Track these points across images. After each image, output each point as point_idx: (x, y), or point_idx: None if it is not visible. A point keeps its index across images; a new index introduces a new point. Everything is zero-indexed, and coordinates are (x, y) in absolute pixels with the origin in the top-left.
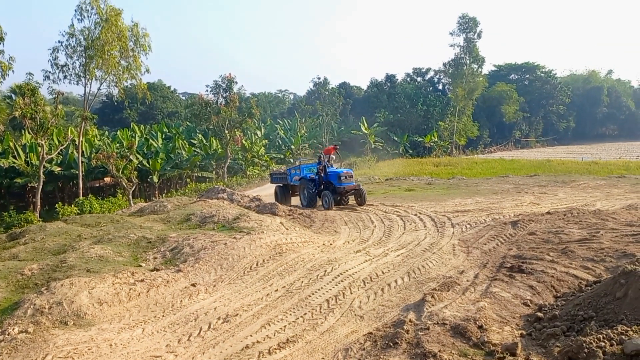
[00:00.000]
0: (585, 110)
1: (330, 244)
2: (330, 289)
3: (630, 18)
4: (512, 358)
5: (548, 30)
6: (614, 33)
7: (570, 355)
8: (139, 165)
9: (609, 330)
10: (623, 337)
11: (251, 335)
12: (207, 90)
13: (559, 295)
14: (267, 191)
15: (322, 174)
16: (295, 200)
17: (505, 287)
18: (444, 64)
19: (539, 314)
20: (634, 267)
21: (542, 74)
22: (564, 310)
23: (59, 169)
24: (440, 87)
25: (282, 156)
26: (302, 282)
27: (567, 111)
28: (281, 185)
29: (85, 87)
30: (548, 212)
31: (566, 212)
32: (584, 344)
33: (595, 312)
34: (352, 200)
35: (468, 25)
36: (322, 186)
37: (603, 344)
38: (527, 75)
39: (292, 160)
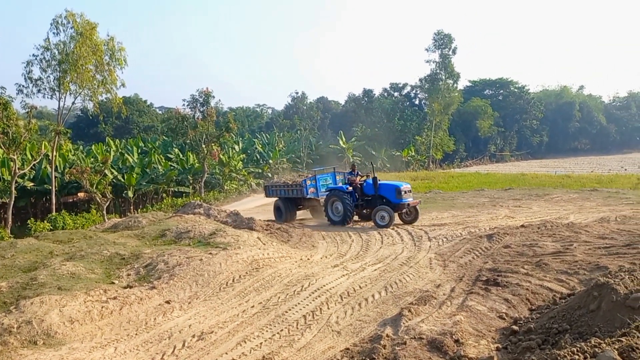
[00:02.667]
0: (558, 124)
1: (308, 259)
2: (307, 305)
3: (601, 34)
4: None
5: (521, 46)
6: (585, 50)
7: None
8: (114, 180)
9: (583, 343)
10: (596, 349)
11: (226, 353)
12: (184, 105)
13: (534, 308)
14: (244, 206)
15: (360, 186)
16: (300, 215)
17: (481, 300)
18: (420, 80)
19: (515, 327)
20: (607, 280)
21: (516, 90)
22: (538, 324)
23: (32, 184)
24: (417, 102)
25: (260, 170)
26: (279, 297)
27: (540, 126)
28: (284, 198)
29: (59, 101)
30: (522, 225)
31: (540, 225)
32: (559, 357)
33: (570, 325)
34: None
35: (443, 41)
36: (360, 200)
37: (577, 357)
38: (501, 91)
39: (269, 175)
